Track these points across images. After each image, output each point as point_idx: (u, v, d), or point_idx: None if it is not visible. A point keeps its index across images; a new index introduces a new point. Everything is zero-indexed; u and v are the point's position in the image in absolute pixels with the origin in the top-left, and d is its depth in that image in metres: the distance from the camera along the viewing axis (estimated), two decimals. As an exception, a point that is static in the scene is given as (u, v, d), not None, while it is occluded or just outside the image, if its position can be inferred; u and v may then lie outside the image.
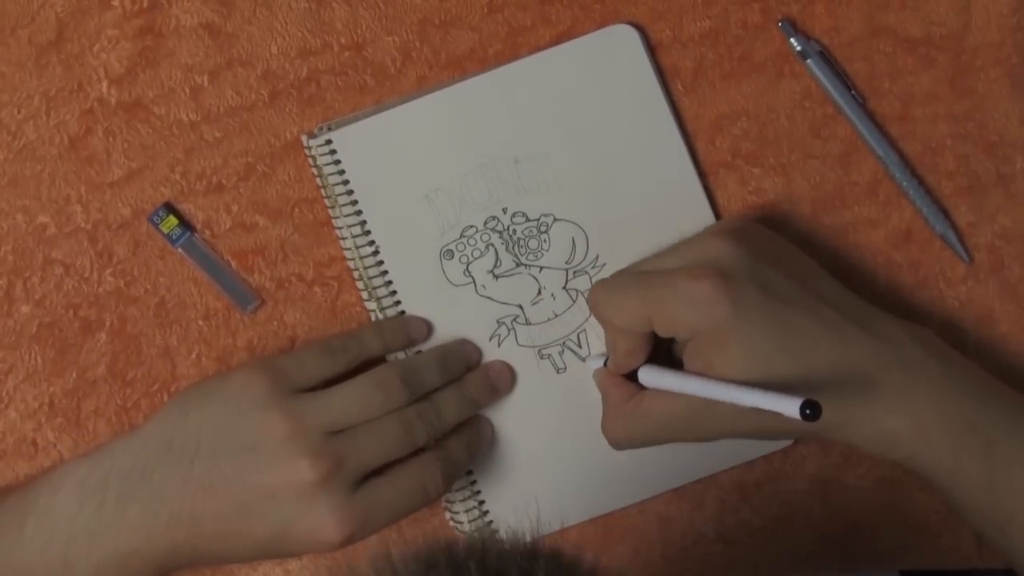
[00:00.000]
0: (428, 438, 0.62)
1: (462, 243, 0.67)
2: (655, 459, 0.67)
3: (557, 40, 0.67)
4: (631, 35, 0.66)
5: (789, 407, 0.53)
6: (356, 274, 0.66)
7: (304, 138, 0.66)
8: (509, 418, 0.67)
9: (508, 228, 0.67)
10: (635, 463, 0.67)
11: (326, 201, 0.66)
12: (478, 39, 0.67)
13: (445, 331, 0.67)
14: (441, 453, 0.63)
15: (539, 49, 0.67)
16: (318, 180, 0.66)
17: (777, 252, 0.62)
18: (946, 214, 0.68)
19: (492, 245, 0.67)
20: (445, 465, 0.63)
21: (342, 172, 0.66)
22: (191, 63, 0.66)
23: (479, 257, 0.67)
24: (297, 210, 0.67)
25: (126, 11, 0.66)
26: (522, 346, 0.67)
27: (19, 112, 0.66)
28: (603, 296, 0.63)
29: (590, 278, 0.67)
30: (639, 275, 0.62)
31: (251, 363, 0.64)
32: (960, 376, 0.61)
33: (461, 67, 0.67)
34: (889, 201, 0.68)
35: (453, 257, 0.67)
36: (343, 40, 0.67)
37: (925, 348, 0.61)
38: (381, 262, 0.66)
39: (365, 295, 0.66)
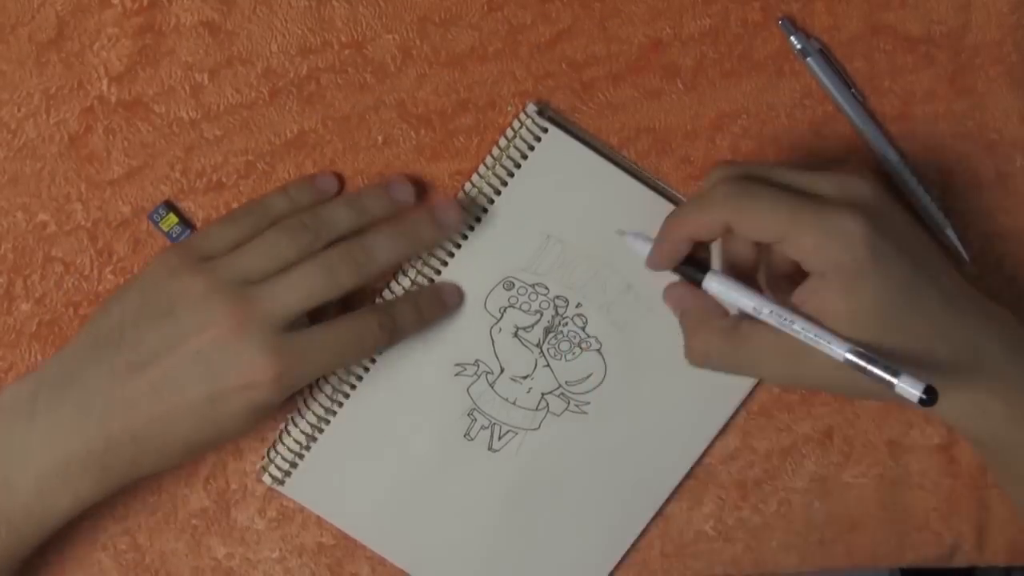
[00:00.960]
0: (355, 277, 0.61)
1: (525, 289, 0.66)
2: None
3: (557, 38, 0.67)
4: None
5: (910, 390, 0.52)
6: None
7: (531, 105, 0.66)
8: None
9: (563, 317, 0.66)
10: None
11: (488, 158, 0.66)
12: (478, 37, 0.67)
13: (440, 328, 0.66)
14: (382, 306, 0.63)
15: (539, 47, 0.67)
16: (503, 139, 0.66)
17: (904, 213, 0.60)
18: (946, 212, 0.68)
19: (541, 314, 0.66)
20: (383, 316, 0.62)
21: (524, 157, 0.66)
22: (191, 61, 0.66)
23: (523, 312, 0.66)
24: (297, 208, 0.67)
25: (126, 9, 0.66)
26: (470, 395, 0.67)
27: (19, 110, 0.66)
28: (747, 196, 0.57)
29: (567, 406, 0.67)
30: (789, 191, 0.57)
31: (160, 250, 0.64)
32: None
33: (461, 65, 0.67)
34: (889, 199, 0.68)
35: (508, 290, 0.66)
36: (343, 38, 0.67)
37: (1021, 331, 0.60)
38: (466, 236, 0.66)
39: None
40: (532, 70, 0.67)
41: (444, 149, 0.67)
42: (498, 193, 0.66)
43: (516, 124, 0.66)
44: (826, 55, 0.67)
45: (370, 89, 0.67)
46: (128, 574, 0.68)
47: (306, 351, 0.60)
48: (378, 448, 0.67)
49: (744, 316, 0.59)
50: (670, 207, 0.66)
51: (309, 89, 0.67)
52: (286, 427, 0.67)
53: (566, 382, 0.67)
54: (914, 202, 0.67)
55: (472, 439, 0.67)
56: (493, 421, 0.67)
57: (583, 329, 0.67)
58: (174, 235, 0.66)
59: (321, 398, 0.66)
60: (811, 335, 0.55)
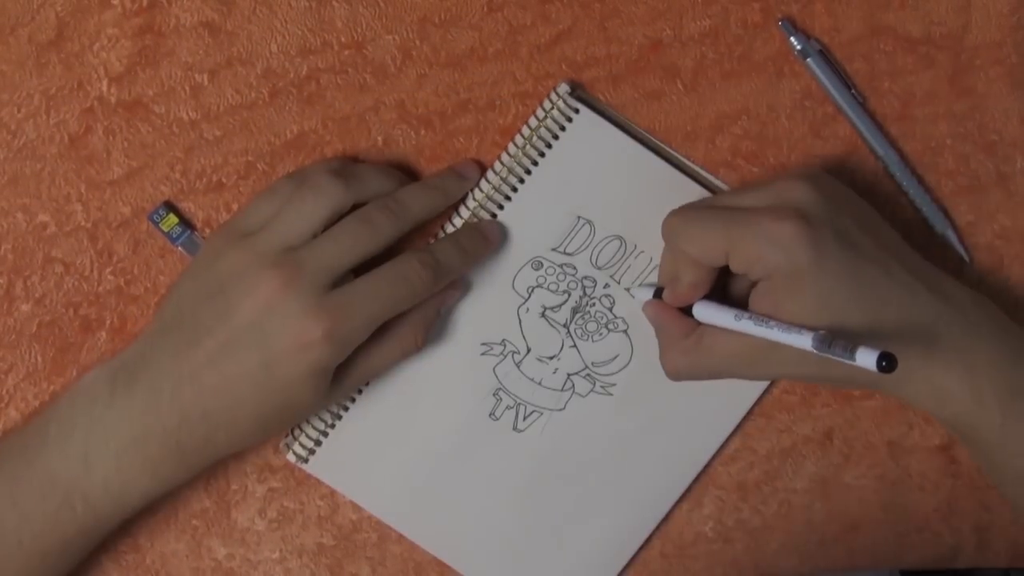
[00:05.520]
0: (395, 228, 0.62)
1: (553, 269, 0.66)
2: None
3: (557, 39, 0.67)
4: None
5: (866, 359, 0.53)
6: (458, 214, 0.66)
7: (563, 84, 0.66)
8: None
9: (591, 298, 0.67)
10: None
11: (518, 137, 0.66)
12: (478, 38, 0.67)
13: (466, 307, 0.67)
14: (424, 247, 0.64)
15: (539, 47, 0.67)
16: (533, 119, 0.66)
17: (851, 203, 0.62)
18: (946, 213, 0.68)
19: (569, 294, 0.66)
20: (423, 255, 0.62)
21: (556, 137, 0.66)
22: (191, 62, 0.66)
23: (551, 292, 0.67)
24: (297, 209, 0.67)
25: (126, 10, 0.66)
26: (496, 374, 0.67)
27: (19, 111, 0.66)
28: (682, 225, 0.62)
29: (593, 387, 0.67)
30: (721, 209, 0.61)
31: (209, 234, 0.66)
32: (1016, 344, 0.61)
33: (461, 65, 0.67)
34: (889, 200, 0.68)
35: (536, 270, 0.66)
36: (343, 39, 0.67)
37: (986, 312, 0.62)
38: (495, 214, 0.66)
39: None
40: (532, 71, 0.67)
41: (444, 150, 0.67)
42: (528, 172, 0.66)
43: (547, 104, 0.66)
44: (826, 56, 0.67)
45: (370, 89, 0.67)
46: (128, 575, 0.68)
47: (353, 303, 0.60)
48: (403, 427, 0.67)
49: (707, 329, 0.61)
50: (700, 191, 0.66)
51: (309, 89, 0.67)
52: None
53: (592, 363, 0.67)
54: (914, 203, 0.67)
55: (497, 419, 0.67)
56: (519, 401, 0.67)
57: (610, 310, 0.67)
58: (174, 236, 0.66)
59: None
60: (775, 334, 0.57)
